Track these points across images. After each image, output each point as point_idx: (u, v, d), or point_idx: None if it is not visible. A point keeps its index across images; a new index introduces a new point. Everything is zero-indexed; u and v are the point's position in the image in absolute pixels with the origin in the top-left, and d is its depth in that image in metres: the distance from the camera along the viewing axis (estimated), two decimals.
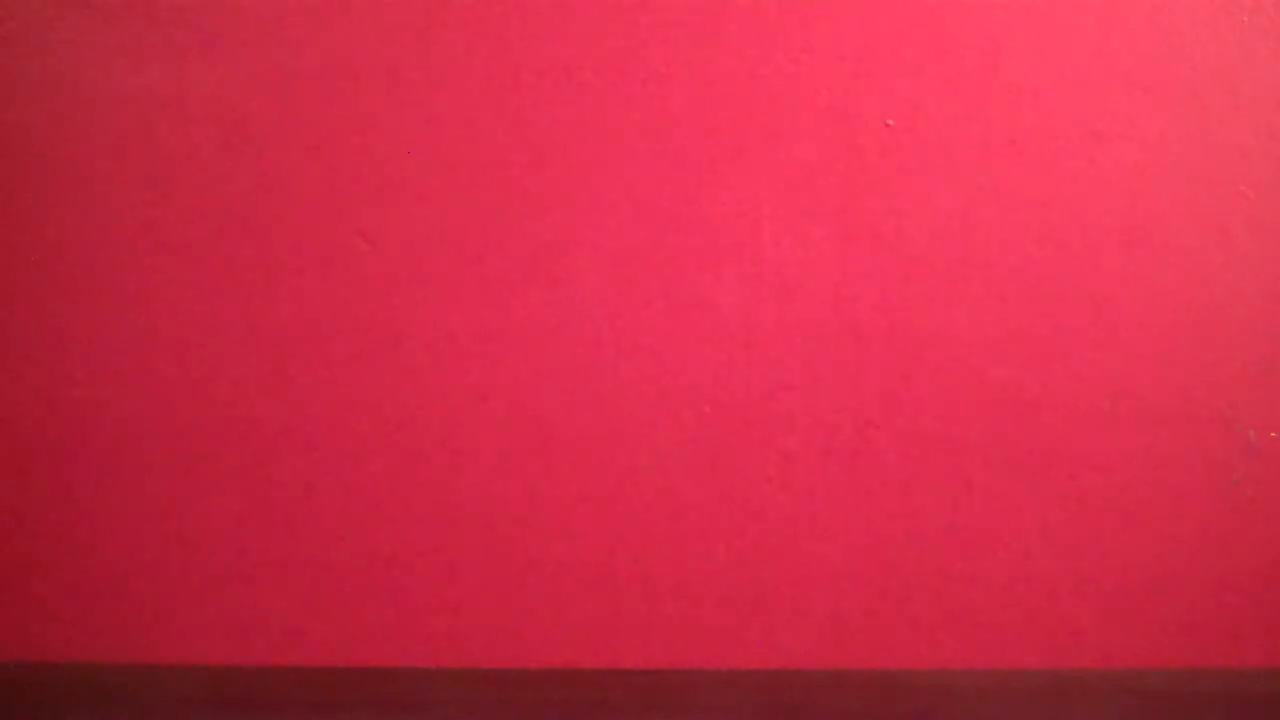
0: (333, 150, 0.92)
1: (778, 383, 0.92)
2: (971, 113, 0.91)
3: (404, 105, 0.92)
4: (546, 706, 0.86)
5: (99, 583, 0.94)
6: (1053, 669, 0.92)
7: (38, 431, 0.93)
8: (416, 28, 0.91)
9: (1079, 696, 0.88)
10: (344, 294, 0.92)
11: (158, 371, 0.93)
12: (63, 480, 0.94)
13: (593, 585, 0.93)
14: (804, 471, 0.92)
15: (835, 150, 0.91)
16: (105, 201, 0.92)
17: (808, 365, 0.92)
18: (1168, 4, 0.90)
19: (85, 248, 0.92)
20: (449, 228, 0.92)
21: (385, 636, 0.93)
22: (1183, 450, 0.92)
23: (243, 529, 0.93)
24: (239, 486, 0.93)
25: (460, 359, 0.93)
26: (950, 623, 0.92)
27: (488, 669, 0.93)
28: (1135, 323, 0.91)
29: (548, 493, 0.93)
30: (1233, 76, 0.90)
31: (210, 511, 0.93)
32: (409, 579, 0.93)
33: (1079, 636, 0.92)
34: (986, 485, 0.92)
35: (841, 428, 0.92)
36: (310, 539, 0.93)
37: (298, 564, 0.93)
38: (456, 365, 0.93)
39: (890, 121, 0.91)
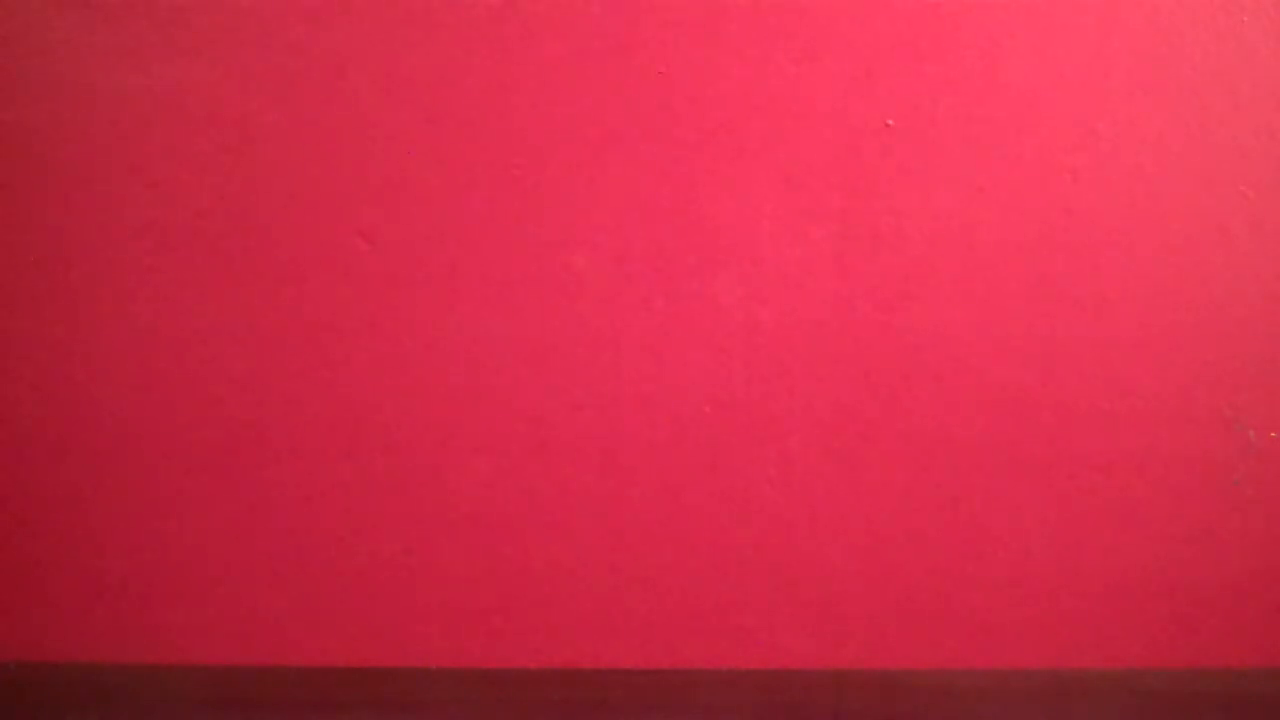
0: (333, 150, 0.92)
1: (778, 383, 0.92)
2: (971, 113, 0.91)
3: (404, 105, 0.92)
4: (546, 706, 0.87)
5: (99, 583, 0.94)
6: (1053, 669, 0.92)
7: (38, 431, 0.93)
8: (416, 28, 0.91)
9: (1079, 696, 0.88)
10: (344, 294, 0.92)
11: (158, 371, 0.93)
12: (63, 480, 0.94)
13: (593, 585, 0.93)
14: (804, 471, 0.92)
15: (835, 150, 0.91)
16: (105, 201, 0.92)
17: (808, 365, 0.92)
18: (1168, 4, 0.90)
19: (85, 248, 0.92)
20: (449, 228, 0.92)
21: (385, 636, 0.94)
22: (1183, 450, 0.92)
23: (243, 529, 0.93)
24: (239, 486, 0.93)
25: (460, 359, 0.93)
26: (950, 623, 0.92)
27: (488, 669, 0.93)
28: (1135, 323, 0.91)
29: (547, 493, 0.93)
30: (1233, 76, 0.90)
31: (210, 511, 0.93)
32: (409, 579, 0.93)
33: (1079, 636, 0.92)
34: (986, 485, 0.92)
35: (841, 428, 0.92)
36: (310, 539, 0.93)
37: (298, 564, 0.93)
38: (456, 365, 0.93)
39: (890, 121, 0.91)
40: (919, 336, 0.92)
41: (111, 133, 0.92)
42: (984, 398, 0.92)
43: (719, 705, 0.87)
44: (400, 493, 0.93)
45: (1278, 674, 0.91)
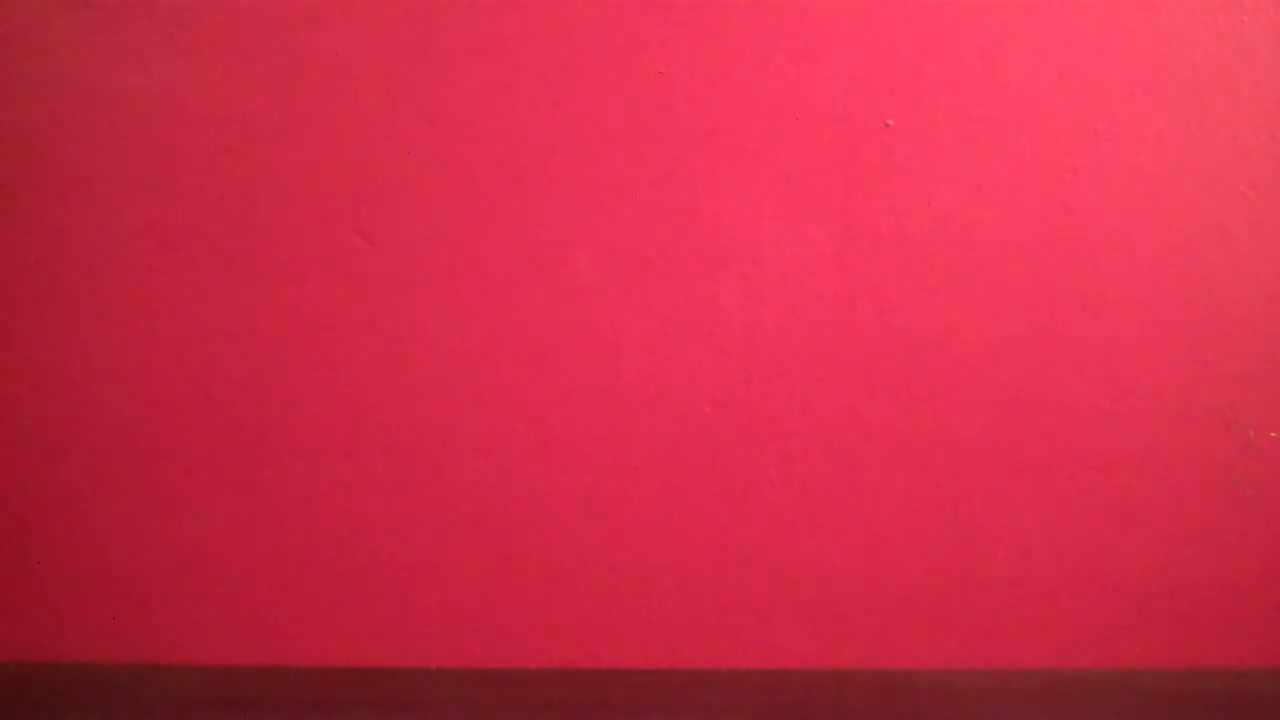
0: (333, 150, 0.92)
1: (778, 383, 0.92)
2: (971, 113, 0.91)
3: (404, 105, 0.92)
4: (546, 706, 0.87)
5: (99, 583, 0.94)
6: (1053, 669, 0.92)
7: (38, 431, 0.93)
8: (416, 28, 0.91)
9: (1079, 696, 0.88)
10: (344, 294, 0.92)
11: (158, 371, 0.93)
12: (63, 480, 0.94)
13: (593, 585, 0.93)
14: (804, 471, 0.92)
15: (835, 150, 0.91)
16: (105, 201, 0.92)
17: (808, 365, 0.92)
18: (1168, 4, 0.90)
19: (85, 248, 0.92)
20: (449, 228, 0.92)
21: (385, 636, 0.94)
22: (1183, 450, 0.92)
23: (243, 529, 0.93)
24: (239, 486, 0.93)
25: (460, 359, 0.93)
26: (950, 623, 0.92)
27: (488, 669, 0.93)
28: (1135, 323, 0.91)
29: (548, 493, 0.93)
30: (1233, 76, 0.90)
31: (210, 511, 0.93)
32: (409, 579, 0.93)
33: (1079, 636, 0.92)
34: (987, 485, 0.92)
35: (841, 428, 0.92)
36: (310, 539, 0.93)
37: (298, 564, 0.93)
38: (456, 365, 0.93)
39: (890, 121, 0.91)
40: (919, 336, 0.92)
41: (111, 133, 0.92)
42: (984, 398, 0.92)
43: (719, 705, 0.87)
44: (400, 493, 0.93)
45: (1278, 674, 0.91)
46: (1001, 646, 0.92)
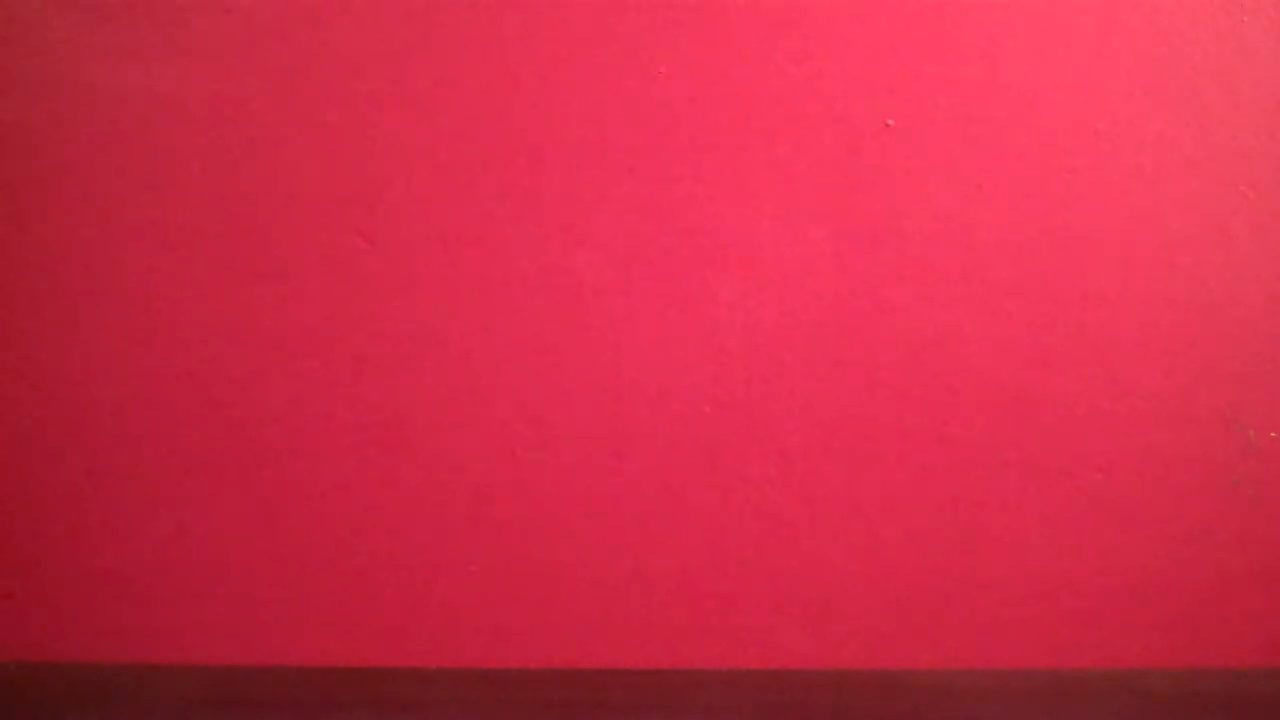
0: (333, 150, 0.92)
1: (778, 383, 0.92)
2: (971, 113, 0.91)
3: (404, 105, 0.92)
4: (546, 706, 0.86)
5: (99, 583, 0.94)
6: (1053, 669, 0.92)
7: (38, 432, 0.93)
8: (416, 28, 0.91)
9: (1079, 696, 0.88)
10: (344, 294, 0.92)
11: (158, 371, 0.93)
12: (63, 480, 0.94)
13: (593, 585, 0.93)
14: (804, 471, 0.92)
15: (835, 150, 0.91)
16: (105, 201, 0.92)
17: (808, 365, 0.92)
18: (1168, 4, 0.90)
19: (85, 248, 0.92)
20: (449, 228, 0.92)
21: (385, 636, 0.94)
22: (1183, 450, 0.92)
23: (243, 529, 0.93)
24: (239, 486, 0.93)
25: (460, 359, 0.93)
26: (950, 623, 0.92)
27: (488, 669, 0.93)
28: (1135, 323, 0.91)
29: (548, 493, 0.93)
30: (1233, 76, 0.90)
31: (210, 511, 0.93)
32: (408, 579, 0.93)
33: (1079, 636, 0.92)
34: (986, 485, 0.92)
35: (841, 428, 0.92)
36: (310, 539, 0.93)
37: (298, 564, 0.93)
38: (456, 365, 0.93)
39: (890, 121, 0.91)
40: (919, 336, 0.92)
41: (111, 133, 0.92)
42: (984, 398, 0.92)
43: (719, 705, 0.86)
44: (400, 492, 0.93)
45: (1278, 674, 0.91)
46: (1001, 646, 0.92)
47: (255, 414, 0.93)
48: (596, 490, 0.93)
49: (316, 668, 0.93)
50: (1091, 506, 0.92)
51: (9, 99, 0.92)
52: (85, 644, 0.94)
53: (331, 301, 0.92)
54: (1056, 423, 0.92)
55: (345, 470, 0.93)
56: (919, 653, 0.93)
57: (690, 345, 0.92)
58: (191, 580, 0.94)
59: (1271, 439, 0.91)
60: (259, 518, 0.93)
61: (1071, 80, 0.91)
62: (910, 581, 0.92)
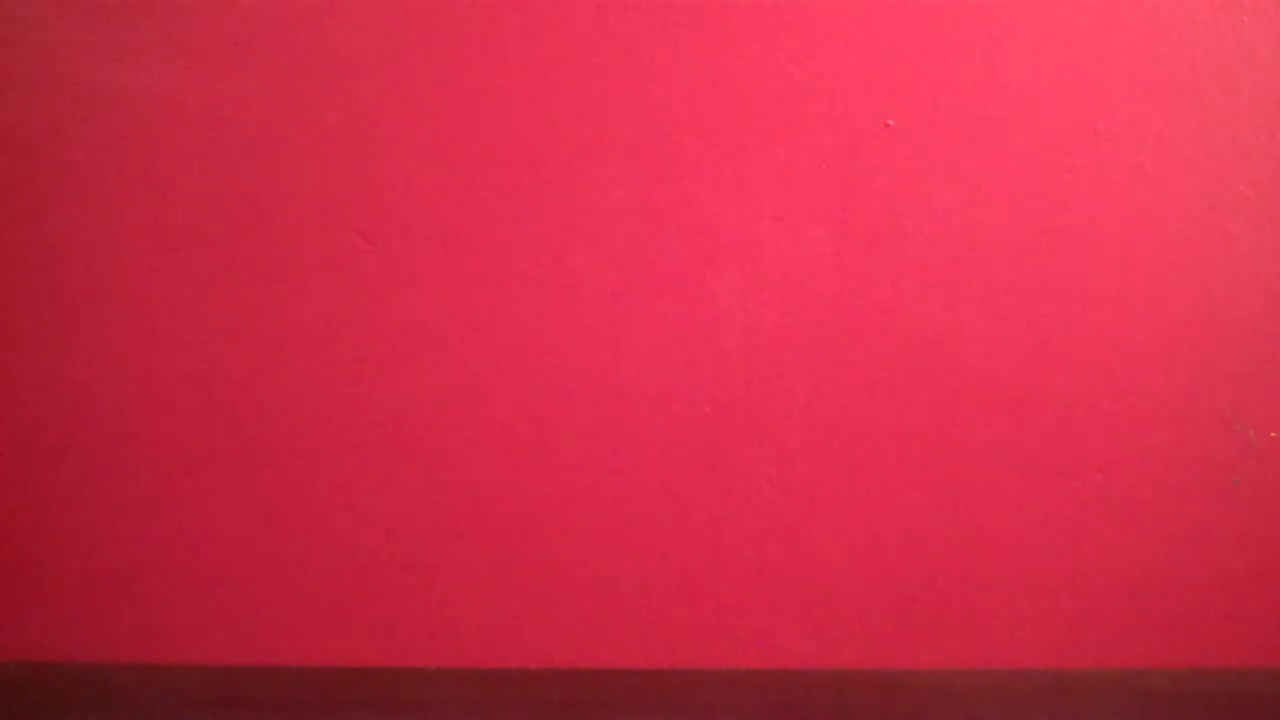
0: (333, 150, 0.92)
1: (778, 383, 0.92)
2: (971, 113, 0.91)
3: (404, 105, 0.92)
4: (546, 706, 0.86)
5: (99, 582, 0.94)
6: (1053, 669, 0.92)
7: (38, 431, 0.93)
8: (416, 28, 0.91)
9: (1079, 696, 0.88)
10: (344, 294, 0.92)
11: (158, 371, 0.93)
12: (63, 479, 0.94)
13: (593, 585, 0.93)
14: (804, 471, 0.92)
15: (835, 150, 0.91)
16: (105, 201, 0.92)
17: (808, 365, 0.92)
18: (1168, 4, 0.90)
19: (85, 248, 0.92)
20: (449, 228, 0.92)
21: (385, 636, 0.94)
22: (1183, 450, 0.92)
23: (243, 529, 0.93)
24: (239, 486, 0.93)
25: (460, 359, 0.93)
26: (950, 623, 0.92)
27: (488, 669, 0.93)
28: (1135, 323, 0.91)
29: (548, 493, 0.93)
30: (1233, 76, 0.90)
31: (210, 511, 0.93)
32: (409, 579, 0.93)
33: (1079, 636, 0.92)
34: (986, 485, 0.92)
35: (841, 428, 0.92)
36: (310, 539, 0.93)
37: (297, 564, 0.93)
38: (456, 365, 0.93)
39: (890, 121, 0.91)
40: (919, 336, 0.92)
41: (111, 133, 0.92)
42: (984, 398, 0.92)
43: (719, 705, 0.86)
44: (400, 493, 0.93)
45: (1278, 674, 0.91)
46: (1001, 646, 0.92)
47: (255, 414, 0.93)
48: (596, 490, 0.93)
49: (316, 668, 0.93)
50: (1091, 506, 0.92)
51: (9, 99, 0.92)
52: (85, 644, 0.94)
53: (331, 301, 0.92)
54: (1056, 423, 0.92)
55: (345, 470, 0.93)
56: (919, 653, 0.93)
57: (690, 345, 0.92)
58: (191, 580, 0.94)
59: (1271, 439, 0.91)
60: (259, 518, 0.93)
61: (1071, 80, 0.91)
62: (910, 581, 0.92)
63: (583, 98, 0.91)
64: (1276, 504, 0.91)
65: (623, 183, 0.92)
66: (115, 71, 0.92)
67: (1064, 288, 0.91)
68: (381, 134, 0.92)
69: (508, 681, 0.91)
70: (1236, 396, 0.91)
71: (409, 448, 0.93)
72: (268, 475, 0.93)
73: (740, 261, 0.92)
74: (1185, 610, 0.92)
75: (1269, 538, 0.92)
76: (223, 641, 0.94)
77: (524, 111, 0.91)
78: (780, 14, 0.91)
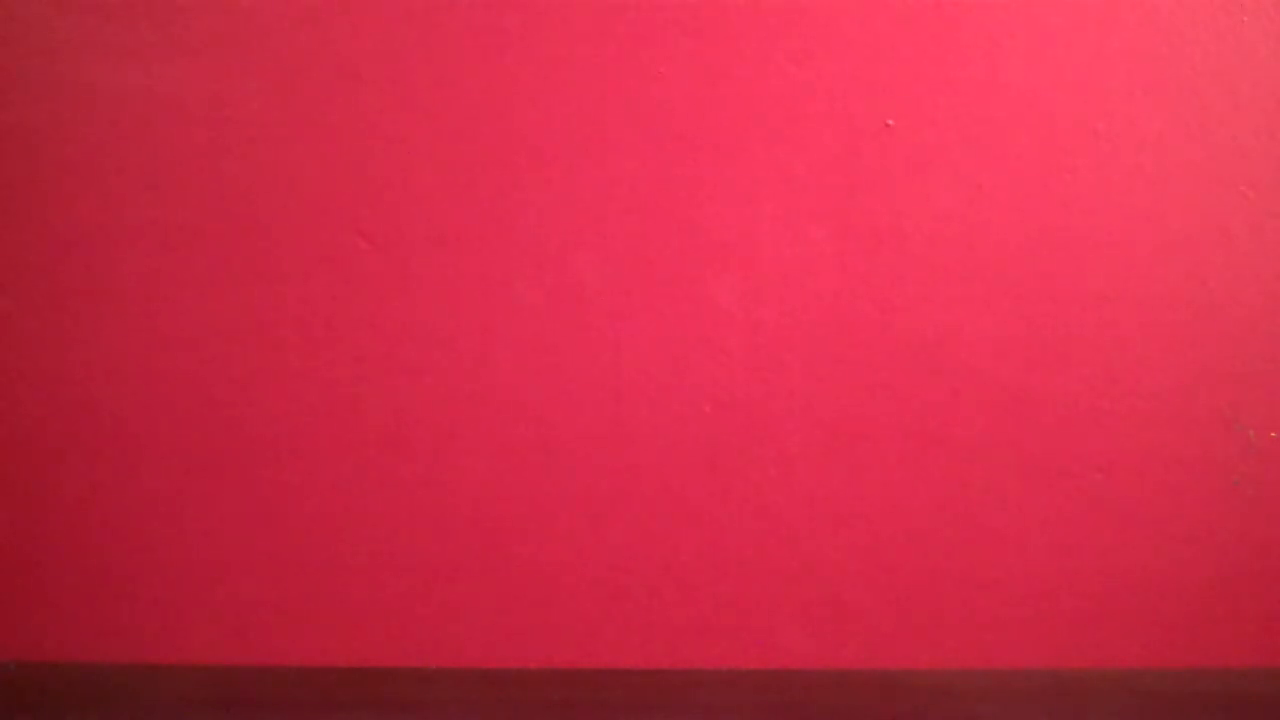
0: (333, 150, 0.92)
1: (778, 383, 0.92)
2: (971, 113, 0.91)
3: (404, 105, 0.92)
4: (546, 706, 0.86)
5: (99, 582, 0.94)
6: (1053, 669, 0.92)
7: (38, 431, 0.93)
8: (416, 28, 0.91)
9: (1079, 696, 0.88)
10: (344, 294, 0.92)
11: (158, 371, 0.93)
12: (63, 480, 0.94)
13: (593, 585, 0.93)
14: (804, 471, 0.92)
15: (835, 150, 0.91)
16: (105, 201, 0.92)
17: (808, 365, 0.92)
18: (1168, 4, 0.90)
19: (85, 248, 0.92)
20: (449, 228, 0.92)
21: (385, 636, 0.94)
22: (1183, 450, 0.92)
23: (243, 529, 0.93)
24: (239, 486, 0.93)
25: (460, 359, 0.93)
26: (950, 623, 0.92)
27: (488, 669, 0.93)
28: (1135, 323, 0.91)
29: (548, 493, 0.93)
30: (1233, 76, 0.90)
31: (210, 511, 0.93)
32: (408, 579, 0.93)
33: (1079, 636, 0.92)
34: (986, 485, 0.92)
35: (841, 428, 0.92)
36: (310, 539, 0.93)
37: (298, 564, 0.93)
38: (456, 365, 0.93)
39: (890, 121, 0.91)
40: (919, 336, 0.92)
41: (111, 133, 0.92)
42: (984, 398, 0.92)
43: (719, 705, 0.86)
44: (400, 493, 0.93)
45: (1278, 674, 0.91)
46: (1001, 646, 0.92)
47: (255, 414, 0.93)
48: (596, 490, 0.93)
49: (316, 668, 0.93)
50: (1091, 506, 0.92)
51: (9, 99, 0.92)
52: (85, 644, 0.94)
53: (332, 301, 0.92)
54: (1056, 423, 0.92)
55: (345, 470, 0.93)
56: (919, 653, 0.93)
57: (690, 345, 0.92)
58: (191, 580, 0.94)
59: (1271, 439, 0.91)
60: (259, 518, 0.93)
61: (1071, 80, 0.91)
62: (910, 581, 0.92)
63: (583, 98, 0.91)
64: (1276, 504, 0.91)
65: (623, 183, 0.92)
66: (115, 71, 0.92)
67: (1064, 288, 0.91)
68: (381, 134, 0.92)
69: (508, 681, 0.91)
70: (1236, 396, 0.91)
71: (409, 448, 0.93)
72: (268, 475, 0.93)
73: (740, 261, 0.92)
74: (1185, 610, 0.92)
75: (1269, 538, 0.92)
76: (223, 641, 0.94)
77: (524, 111, 0.91)
78: (780, 14, 0.91)
